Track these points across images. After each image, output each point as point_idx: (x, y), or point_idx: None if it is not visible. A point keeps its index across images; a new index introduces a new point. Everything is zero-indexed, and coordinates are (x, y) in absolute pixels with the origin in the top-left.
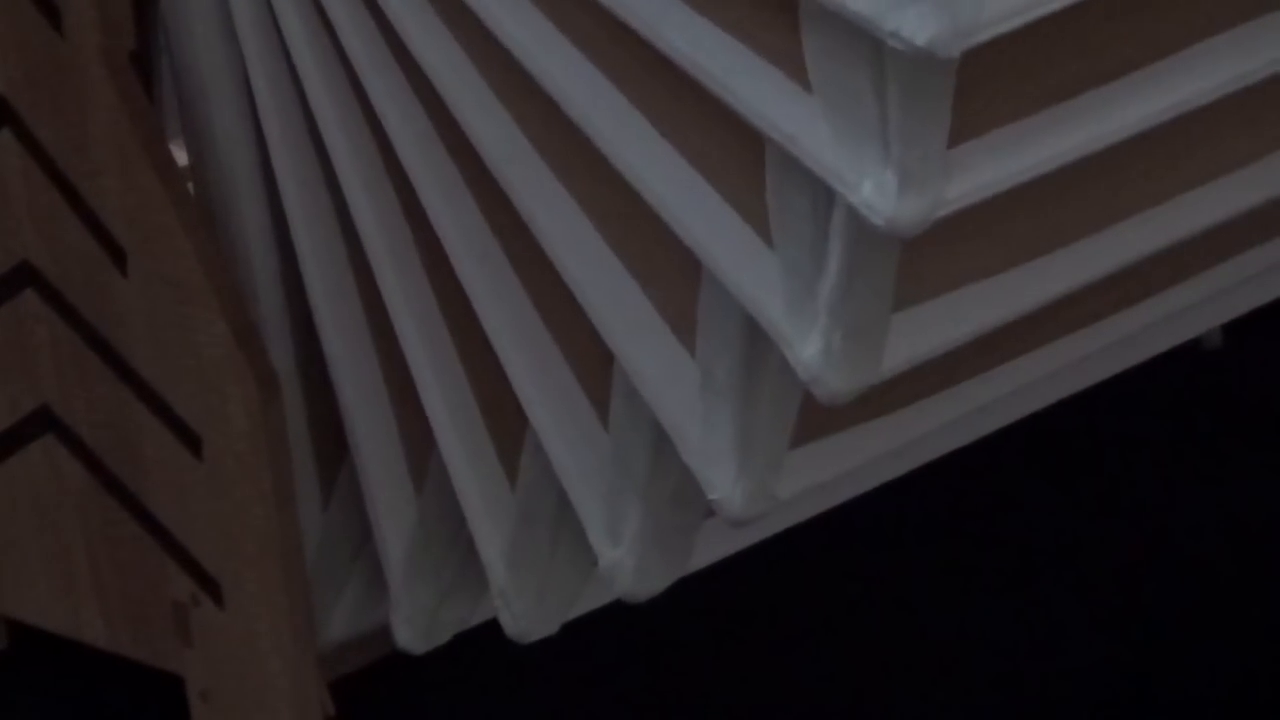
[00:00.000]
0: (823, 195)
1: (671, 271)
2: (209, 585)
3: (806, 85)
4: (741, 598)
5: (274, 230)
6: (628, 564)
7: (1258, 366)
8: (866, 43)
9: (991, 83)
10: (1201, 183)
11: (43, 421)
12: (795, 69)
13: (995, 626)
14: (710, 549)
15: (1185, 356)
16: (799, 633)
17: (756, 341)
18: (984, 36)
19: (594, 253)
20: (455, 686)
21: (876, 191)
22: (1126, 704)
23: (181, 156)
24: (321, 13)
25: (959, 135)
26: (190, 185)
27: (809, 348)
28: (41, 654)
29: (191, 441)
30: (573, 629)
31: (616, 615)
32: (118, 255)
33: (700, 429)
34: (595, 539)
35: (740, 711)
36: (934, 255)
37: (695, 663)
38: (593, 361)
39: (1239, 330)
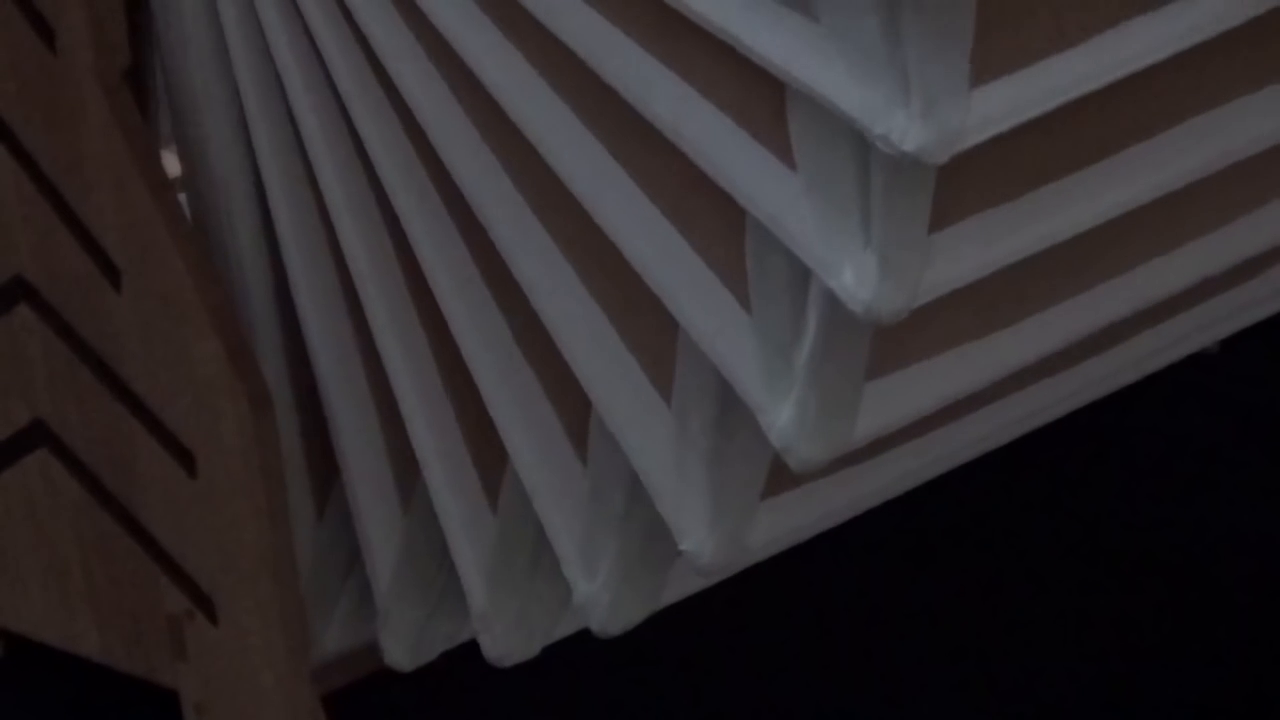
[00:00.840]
0: (802, 268)
1: (649, 321)
2: (203, 600)
3: (791, 164)
4: (736, 606)
5: (267, 247)
6: (602, 599)
7: (1256, 371)
8: (854, 137)
9: (973, 170)
10: (1178, 246)
11: (37, 435)
12: (781, 148)
13: (992, 629)
14: (685, 583)
15: (1182, 360)
16: (792, 642)
17: (731, 396)
18: (971, 142)
19: (571, 296)
20: (447, 700)
21: (856, 278)
22: (1118, 712)
23: (173, 165)
24: (310, 38)
25: (940, 221)
26: (183, 196)
27: (782, 416)
28: (37, 663)
29: (185, 458)
30: (561, 645)
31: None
32: (111, 272)
33: (674, 479)
34: (570, 573)
35: None
36: (911, 324)
37: (686, 677)
38: (573, 398)
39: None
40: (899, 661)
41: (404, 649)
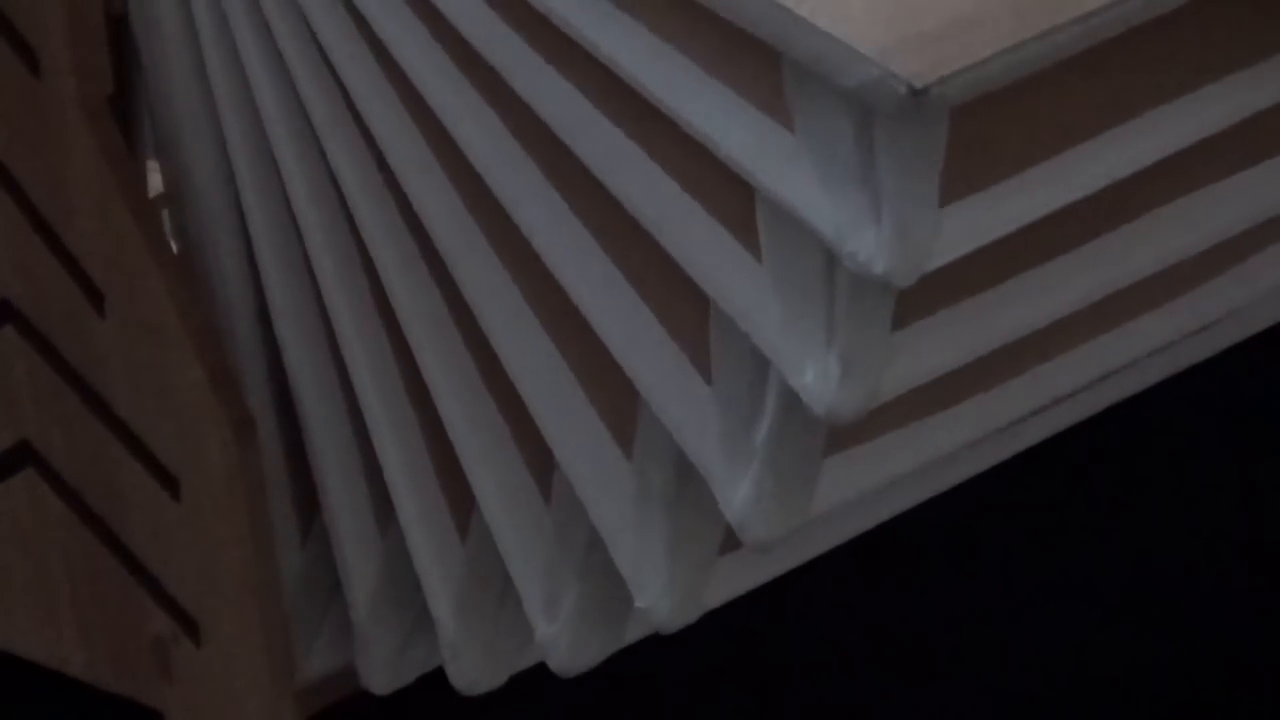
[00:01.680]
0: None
1: (612, 377)
2: (187, 623)
3: (759, 256)
4: (729, 619)
5: (250, 272)
6: (562, 640)
7: (1258, 371)
8: (821, 245)
9: (939, 270)
10: (1141, 315)
11: (23, 455)
12: (749, 238)
13: (986, 631)
14: (647, 623)
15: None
16: (786, 654)
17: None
18: (939, 263)
19: (536, 346)
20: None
21: (818, 378)
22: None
23: (158, 181)
24: (287, 72)
25: (903, 319)
26: (166, 214)
27: (739, 494)
28: (23, 682)
29: (169, 482)
30: (536, 667)
31: None
32: (95, 297)
33: (632, 535)
34: (531, 613)
35: None
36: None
37: (671, 696)
38: (538, 441)
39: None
40: (896, 674)
41: (381, 673)
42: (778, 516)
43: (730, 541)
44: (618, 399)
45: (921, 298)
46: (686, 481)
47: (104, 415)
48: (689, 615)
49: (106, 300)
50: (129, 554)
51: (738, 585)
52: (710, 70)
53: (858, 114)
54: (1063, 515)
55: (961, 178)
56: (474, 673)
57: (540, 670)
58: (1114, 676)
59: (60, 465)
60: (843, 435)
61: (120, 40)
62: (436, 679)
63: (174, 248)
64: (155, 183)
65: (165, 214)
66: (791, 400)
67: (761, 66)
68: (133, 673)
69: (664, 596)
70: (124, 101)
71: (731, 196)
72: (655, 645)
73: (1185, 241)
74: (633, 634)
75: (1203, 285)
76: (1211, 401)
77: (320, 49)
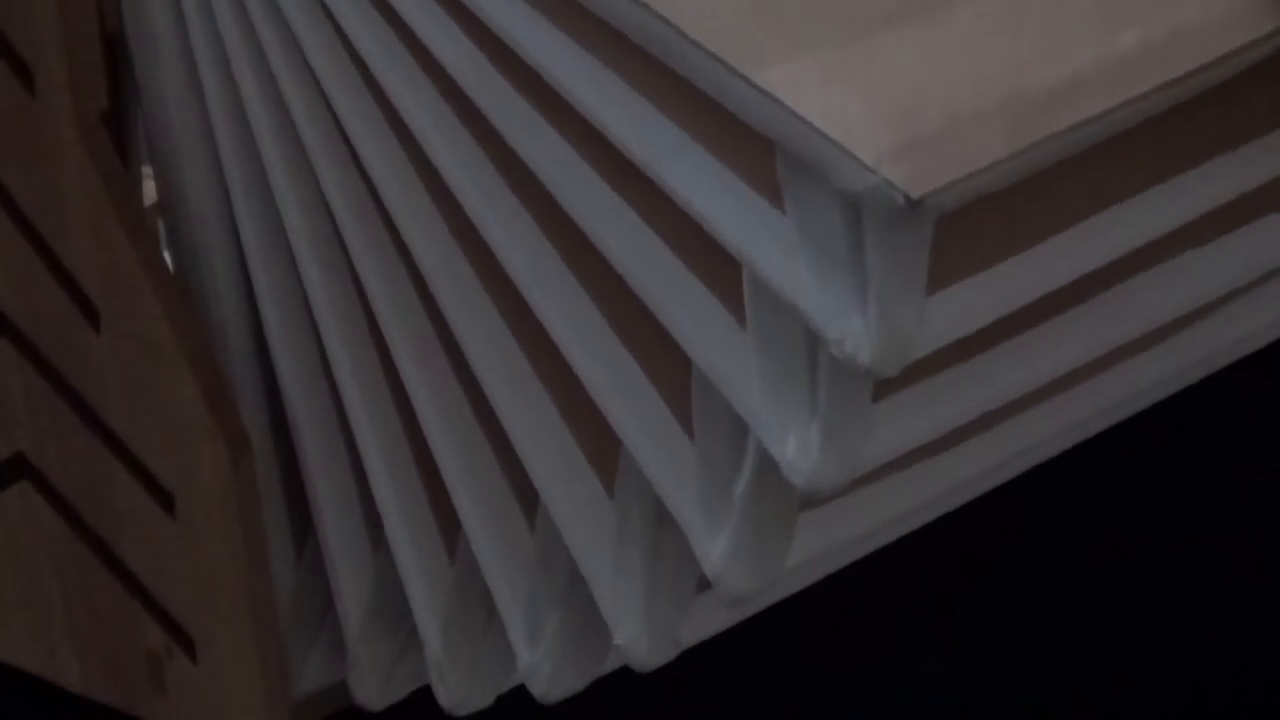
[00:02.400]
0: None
1: (597, 418)
2: (182, 639)
3: (742, 321)
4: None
5: (246, 289)
6: (544, 668)
7: (1258, 375)
8: (806, 328)
9: None
10: (1101, 373)
11: (18, 468)
12: (733, 303)
13: (988, 631)
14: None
15: None
16: (771, 673)
17: None
18: (924, 352)
19: (521, 379)
20: None
21: (799, 449)
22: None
23: (151, 188)
24: (280, 94)
25: (884, 391)
26: (160, 223)
27: (717, 547)
28: (17, 691)
29: (164, 498)
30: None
31: None
32: (90, 312)
33: (612, 572)
34: (514, 640)
35: None
36: None
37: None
38: (524, 471)
39: None
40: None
41: (372, 688)
42: (754, 571)
43: (709, 580)
44: (601, 438)
45: (905, 370)
46: (666, 524)
47: (99, 430)
48: (666, 654)
49: (101, 316)
50: (124, 569)
51: (715, 624)
52: (701, 141)
53: (850, 208)
54: (1061, 526)
55: (948, 266)
56: (460, 693)
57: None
58: (1113, 684)
59: (55, 479)
60: None
61: (115, 57)
62: (428, 695)
63: (169, 260)
64: (150, 190)
65: (160, 224)
66: (771, 461)
67: (755, 145)
68: (127, 686)
69: (641, 635)
70: (119, 117)
71: (718, 261)
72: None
73: (1176, 301)
74: (614, 661)
75: (1199, 323)
76: (1213, 405)
77: (313, 76)
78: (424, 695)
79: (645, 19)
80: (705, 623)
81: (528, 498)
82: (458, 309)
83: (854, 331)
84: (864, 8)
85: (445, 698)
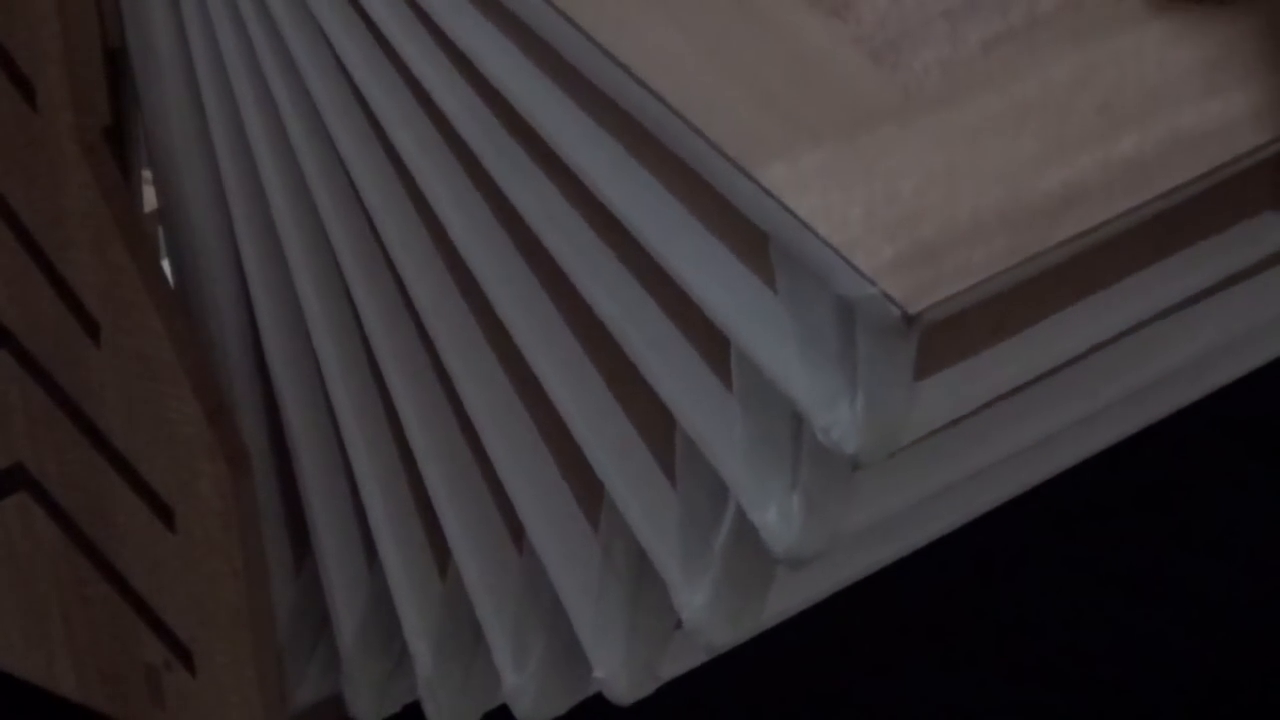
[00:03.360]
0: None
1: (584, 457)
2: (181, 652)
3: (729, 383)
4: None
5: (247, 305)
6: (529, 690)
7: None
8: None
9: None
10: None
11: (17, 479)
12: (720, 366)
13: (986, 643)
14: None
15: None
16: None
17: None
18: (909, 440)
19: (508, 412)
20: None
21: (780, 518)
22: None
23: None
24: (280, 120)
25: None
26: (160, 230)
27: (695, 598)
28: (20, 699)
29: (164, 513)
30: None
31: None
32: (91, 327)
33: (593, 606)
34: (500, 662)
35: None
36: None
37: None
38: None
39: None
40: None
41: (367, 702)
42: (732, 622)
43: None
44: (587, 473)
45: None
46: (648, 562)
47: (98, 444)
48: (645, 689)
49: (102, 330)
50: (123, 581)
51: (696, 658)
52: (696, 213)
53: (844, 305)
54: (1049, 522)
55: (935, 354)
56: (450, 711)
57: None
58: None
59: (54, 491)
60: None
61: (116, 72)
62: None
63: (169, 270)
64: (150, 195)
65: (160, 233)
66: (748, 534)
67: (751, 225)
68: (126, 698)
69: (620, 670)
70: (120, 131)
71: (707, 322)
72: None
73: (1162, 366)
74: (598, 686)
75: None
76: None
77: (311, 99)
78: (419, 709)
79: (647, 101)
80: (686, 656)
81: (516, 523)
82: (449, 341)
83: (841, 421)
84: (869, 99)
85: (435, 715)
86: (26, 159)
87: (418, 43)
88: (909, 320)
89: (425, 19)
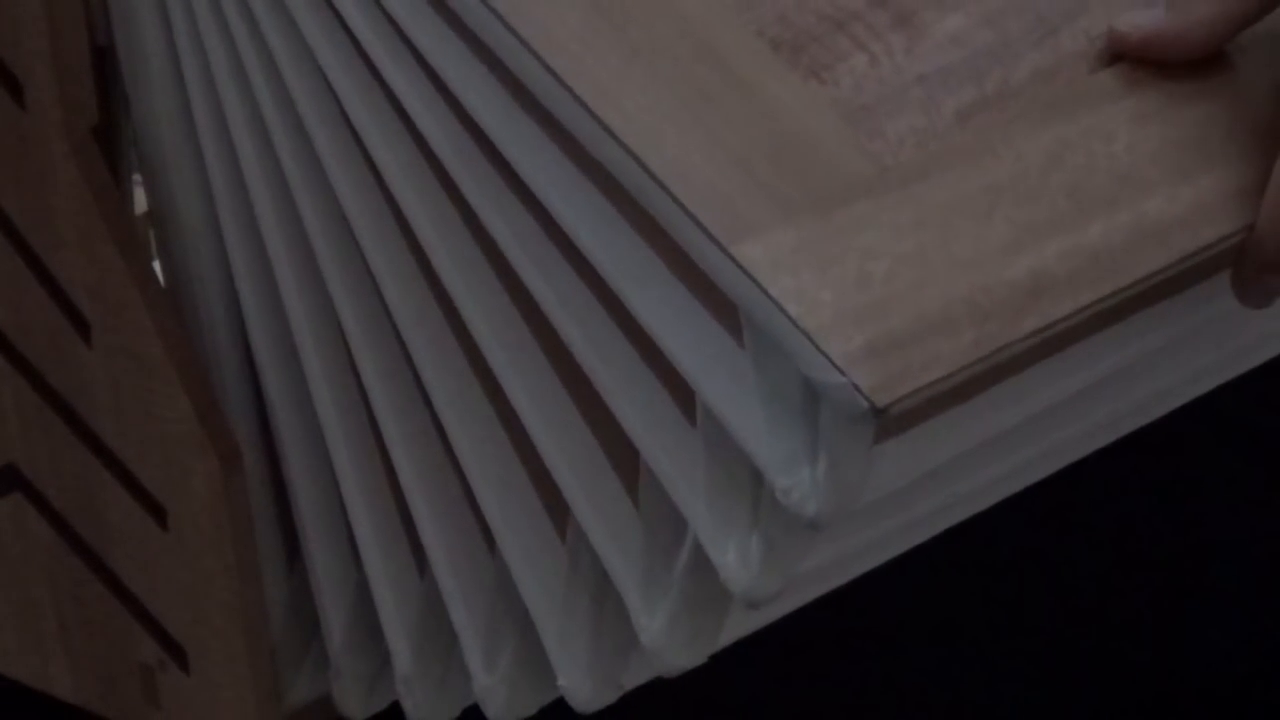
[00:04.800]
0: None
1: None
2: (175, 651)
3: (693, 420)
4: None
5: (236, 304)
6: (500, 692)
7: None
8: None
9: None
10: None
11: (9, 479)
12: (686, 403)
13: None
14: None
15: None
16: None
17: None
18: (867, 501)
19: (479, 417)
20: None
21: (739, 559)
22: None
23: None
24: (261, 115)
25: None
26: (152, 233)
27: (654, 621)
28: (14, 700)
29: (156, 511)
30: None
31: None
32: (81, 326)
33: (559, 615)
34: (471, 663)
35: None
36: None
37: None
38: None
39: None
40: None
41: (355, 699)
42: (689, 646)
43: None
44: (556, 486)
45: None
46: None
47: (91, 443)
48: (608, 697)
49: (92, 329)
50: (116, 581)
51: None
52: (668, 264)
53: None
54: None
55: (899, 421)
56: (428, 708)
57: None
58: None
59: (47, 491)
60: None
61: (105, 71)
62: None
63: (159, 272)
64: (141, 198)
65: (151, 235)
66: (706, 565)
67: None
68: (120, 698)
69: (585, 679)
70: (109, 130)
71: (674, 373)
72: None
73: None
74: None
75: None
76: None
77: (292, 104)
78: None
79: (628, 164)
80: (649, 668)
81: (489, 526)
82: (425, 352)
83: (801, 484)
84: (845, 171)
85: (414, 713)
86: (15, 159)
87: (400, 66)
88: (876, 412)
89: (403, 37)
